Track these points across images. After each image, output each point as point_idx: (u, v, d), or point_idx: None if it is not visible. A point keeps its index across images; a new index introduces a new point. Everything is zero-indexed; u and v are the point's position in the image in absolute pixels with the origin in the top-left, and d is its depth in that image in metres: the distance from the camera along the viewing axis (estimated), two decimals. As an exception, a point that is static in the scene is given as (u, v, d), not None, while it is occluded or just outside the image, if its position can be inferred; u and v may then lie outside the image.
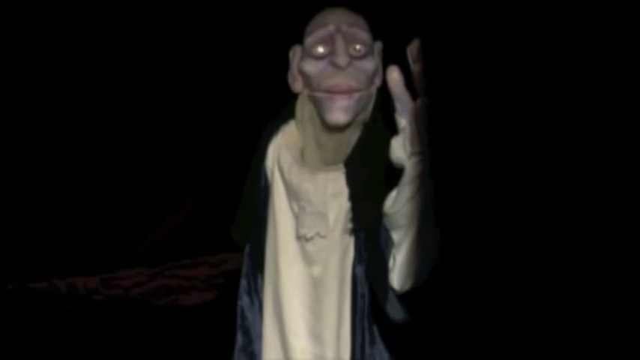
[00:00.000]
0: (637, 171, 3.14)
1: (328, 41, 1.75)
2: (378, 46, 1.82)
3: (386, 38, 1.89)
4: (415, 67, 1.52)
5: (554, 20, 3.28)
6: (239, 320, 1.86)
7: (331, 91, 1.74)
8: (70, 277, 4.20)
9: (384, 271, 1.68)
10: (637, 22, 3.04)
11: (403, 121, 1.56)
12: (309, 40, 1.78)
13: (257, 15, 3.88)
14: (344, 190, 1.76)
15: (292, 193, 1.79)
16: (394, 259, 1.66)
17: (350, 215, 1.75)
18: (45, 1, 3.98)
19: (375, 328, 1.76)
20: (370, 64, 1.77)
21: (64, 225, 4.29)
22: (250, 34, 3.89)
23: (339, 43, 1.73)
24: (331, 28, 1.76)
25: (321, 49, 1.76)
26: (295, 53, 1.83)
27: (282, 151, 1.84)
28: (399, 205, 1.61)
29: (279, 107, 1.91)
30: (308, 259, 1.78)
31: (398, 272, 1.66)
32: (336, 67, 1.73)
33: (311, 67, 1.77)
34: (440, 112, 1.58)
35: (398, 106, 1.56)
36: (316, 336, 1.78)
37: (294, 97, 1.85)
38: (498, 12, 3.28)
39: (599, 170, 3.25)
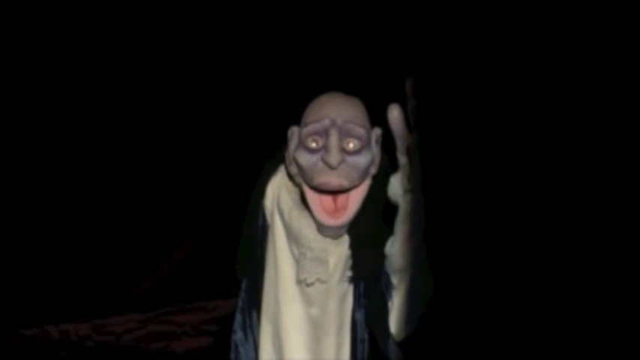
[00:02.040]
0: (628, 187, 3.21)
1: (322, 135, 1.74)
2: (377, 132, 1.80)
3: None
4: (409, 104, 1.53)
5: (540, 64, 3.39)
6: (232, 355, 1.87)
7: (321, 189, 1.74)
8: (61, 323, 4.18)
9: (385, 315, 1.70)
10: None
11: (403, 159, 1.58)
12: (304, 131, 1.77)
13: (254, 49, 3.95)
14: (345, 237, 1.78)
15: (292, 237, 1.81)
16: (392, 302, 1.70)
17: (350, 262, 1.77)
18: (45, 1, 4.03)
19: None
20: (364, 159, 1.75)
21: (56, 271, 4.28)
22: (248, 77, 3.94)
23: (333, 139, 1.71)
24: (326, 122, 1.74)
25: (314, 144, 1.75)
26: (293, 134, 1.82)
27: (282, 192, 1.86)
28: (396, 244, 1.64)
29: (272, 152, 1.93)
30: (307, 300, 1.79)
31: (395, 316, 1.69)
32: (328, 166, 1.71)
33: (304, 159, 1.76)
34: (432, 149, 1.61)
35: (398, 143, 1.57)
36: None
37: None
38: (489, 53, 3.39)
39: (591, 209, 3.31)
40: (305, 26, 3.61)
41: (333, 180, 1.71)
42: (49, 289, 4.20)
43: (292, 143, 1.80)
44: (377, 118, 1.78)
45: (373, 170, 1.79)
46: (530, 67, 3.36)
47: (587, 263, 3.29)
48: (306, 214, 1.80)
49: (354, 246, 1.77)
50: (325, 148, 1.72)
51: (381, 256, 1.70)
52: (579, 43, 3.28)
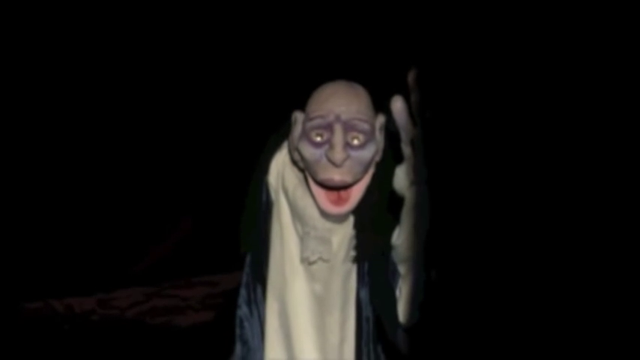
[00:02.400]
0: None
1: (327, 129, 1.71)
2: (380, 120, 1.77)
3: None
4: (412, 96, 1.51)
5: (543, 61, 3.37)
6: (238, 330, 1.86)
7: (324, 185, 1.72)
8: (66, 297, 4.21)
9: (392, 303, 1.69)
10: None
11: (408, 150, 1.55)
12: (308, 124, 1.74)
13: (257, 34, 3.93)
14: (349, 218, 1.77)
15: (297, 216, 1.80)
16: (400, 291, 1.69)
17: (353, 243, 1.76)
18: (46, 1, 4.01)
19: (379, 349, 1.79)
20: (369, 153, 1.73)
21: (61, 246, 4.30)
22: (247, 55, 3.93)
23: (337, 135, 1.69)
24: (331, 117, 1.71)
25: (318, 138, 1.72)
26: (296, 121, 1.78)
27: (286, 170, 1.83)
28: (403, 235, 1.62)
29: (275, 128, 1.91)
30: (310, 276, 1.79)
31: (403, 305, 1.68)
32: (332, 163, 1.70)
33: (308, 153, 1.73)
34: (437, 141, 1.58)
35: (403, 135, 1.54)
36: (322, 352, 1.79)
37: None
38: (493, 44, 3.37)
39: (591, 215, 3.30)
40: (312, 13, 3.58)
41: (336, 177, 1.70)
42: (54, 264, 4.21)
43: (296, 131, 1.77)
44: (381, 107, 1.77)
45: (377, 158, 1.77)
46: (535, 60, 3.34)
47: (590, 257, 3.29)
48: (310, 192, 1.78)
49: (357, 227, 1.76)
50: (330, 144, 1.70)
51: (385, 239, 1.69)
52: (584, 33, 3.25)
